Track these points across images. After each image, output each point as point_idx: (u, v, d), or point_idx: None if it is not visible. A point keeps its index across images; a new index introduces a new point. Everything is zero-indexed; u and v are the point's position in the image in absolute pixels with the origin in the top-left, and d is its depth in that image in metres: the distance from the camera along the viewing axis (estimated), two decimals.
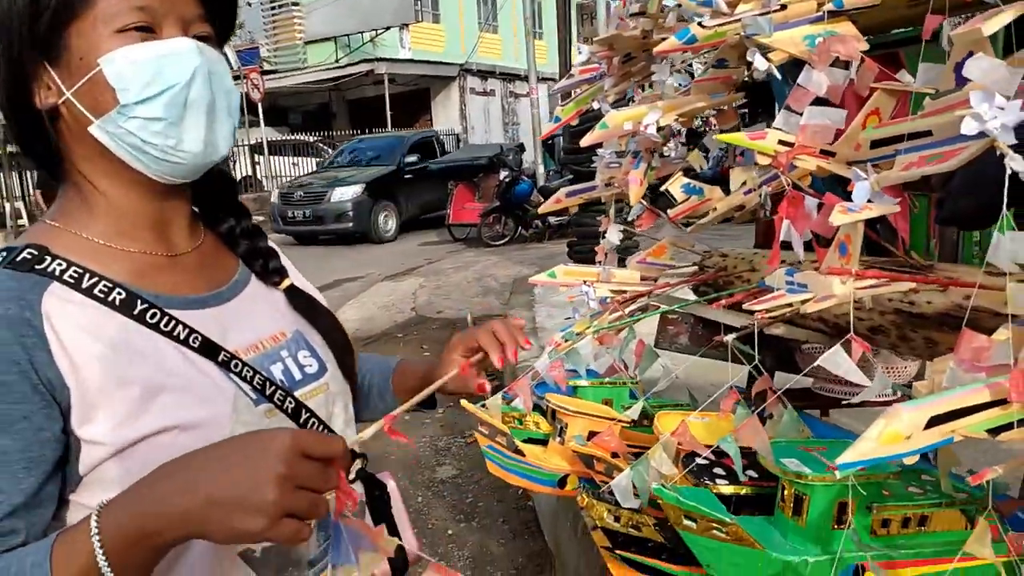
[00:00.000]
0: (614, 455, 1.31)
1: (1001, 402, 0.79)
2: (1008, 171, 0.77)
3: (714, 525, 0.91)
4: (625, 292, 1.71)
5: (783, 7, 1.21)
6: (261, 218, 10.80)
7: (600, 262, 1.87)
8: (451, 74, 20.71)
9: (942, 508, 0.98)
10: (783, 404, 1.21)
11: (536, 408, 1.66)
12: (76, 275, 0.78)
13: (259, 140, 17.17)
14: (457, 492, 3.27)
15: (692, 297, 1.82)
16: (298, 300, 0.98)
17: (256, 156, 17.57)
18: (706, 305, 1.59)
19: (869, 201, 1.03)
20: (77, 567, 0.64)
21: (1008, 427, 0.78)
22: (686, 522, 0.94)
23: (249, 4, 17.98)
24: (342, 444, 0.68)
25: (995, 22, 0.85)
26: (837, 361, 0.95)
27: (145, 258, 0.85)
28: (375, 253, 10.61)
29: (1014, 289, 0.78)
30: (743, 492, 1.05)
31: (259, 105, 16.69)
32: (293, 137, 18.70)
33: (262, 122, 17.04)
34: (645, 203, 1.76)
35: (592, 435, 1.40)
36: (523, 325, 1.07)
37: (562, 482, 1.45)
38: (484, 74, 21.89)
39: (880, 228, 2.01)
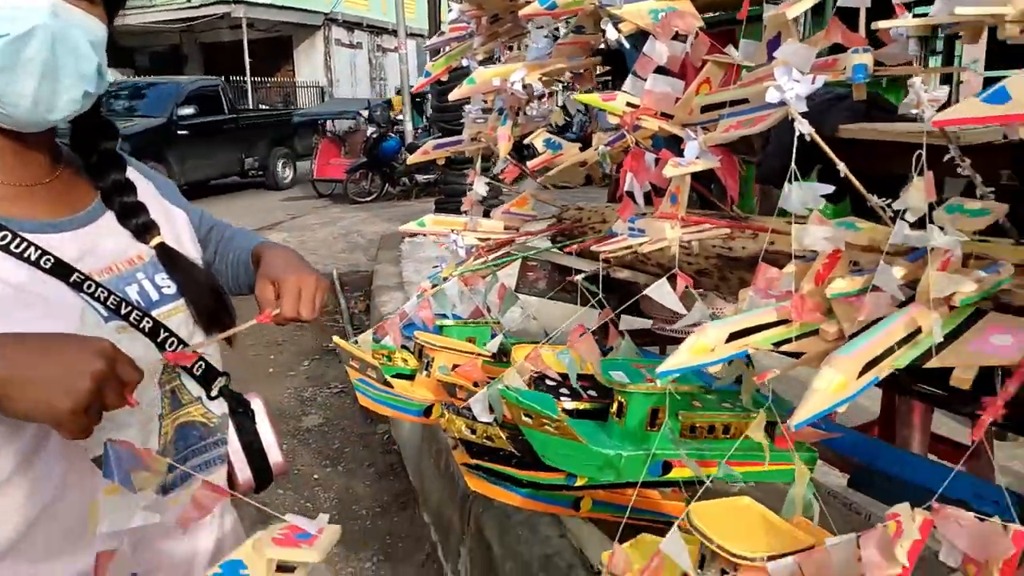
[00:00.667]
0: (476, 385, 1.44)
1: (786, 321, 0.98)
2: (797, 133, 0.95)
3: (545, 421, 1.07)
4: (490, 240, 1.84)
5: None
6: None
7: (467, 212, 1.98)
8: (315, 23, 19.91)
9: (743, 419, 1.19)
10: (621, 335, 1.38)
11: (404, 348, 1.76)
12: None
13: None
14: (323, 439, 3.33)
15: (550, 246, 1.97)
16: (166, 256, 1.00)
17: None
18: (561, 252, 1.74)
19: (697, 158, 1.19)
20: None
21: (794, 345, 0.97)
22: (524, 419, 1.09)
23: None
24: (139, 375, 0.75)
25: (798, 6, 1.02)
26: (662, 292, 1.12)
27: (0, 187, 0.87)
28: (234, 208, 10.19)
29: (797, 230, 0.96)
30: (583, 407, 1.21)
31: None
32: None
33: None
34: (511, 158, 1.88)
35: (456, 368, 1.53)
36: (326, 288, 1.04)
37: (428, 411, 1.57)
38: (351, 25, 21.21)
39: (714, 187, 2.26)
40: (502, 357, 1.68)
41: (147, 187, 1.06)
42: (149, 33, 18.55)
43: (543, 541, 1.78)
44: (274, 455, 1.12)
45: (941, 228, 0.86)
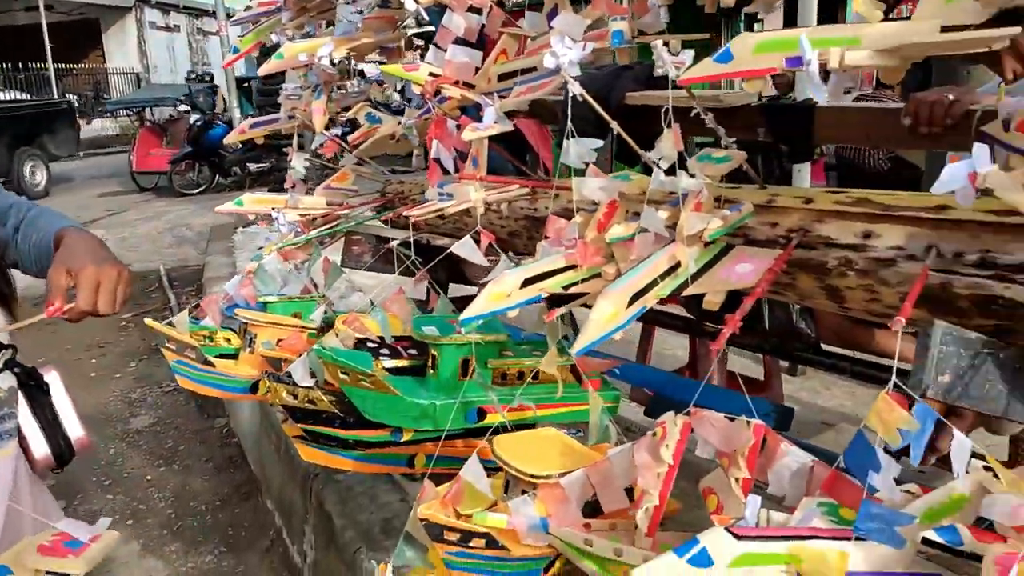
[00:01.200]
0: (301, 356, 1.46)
1: (574, 267, 1.08)
2: (570, 95, 1.04)
3: (361, 377, 1.12)
4: (310, 216, 1.85)
5: None
6: None
7: (289, 190, 1.97)
8: (125, 4, 18.41)
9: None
10: (438, 295, 1.45)
11: (229, 328, 1.73)
12: None
13: None
14: (155, 439, 3.18)
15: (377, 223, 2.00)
16: None
17: None
18: (380, 224, 1.78)
19: (496, 123, 1.27)
20: None
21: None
22: (342, 376, 1.14)
23: None
24: None
25: None
26: (467, 248, 1.20)
27: None
28: (46, 202, 9.28)
29: (576, 183, 1.07)
30: (402, 364, 1.27)
31: None
32: None
33: None
34: (327, 133, 1.89)
35: (281, 342, 1.53)
36: (129, 281, 0.99)
37: (254, 388, 1.56)
38: (165, 7, 19.80)
39: (529, 157, 2.37)
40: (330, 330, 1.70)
41: None
42: None
43: (382, 507, 1.82)
44: (74, 430, 1.07)
45: (692, 175, 0.99)
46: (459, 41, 1.37)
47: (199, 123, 10.26)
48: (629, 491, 0.97)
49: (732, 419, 0.91)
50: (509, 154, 2.19)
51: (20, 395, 1.02)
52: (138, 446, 3.13)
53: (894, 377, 0.68)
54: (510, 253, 1.74)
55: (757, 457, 0.89)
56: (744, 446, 0.88)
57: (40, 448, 1.02)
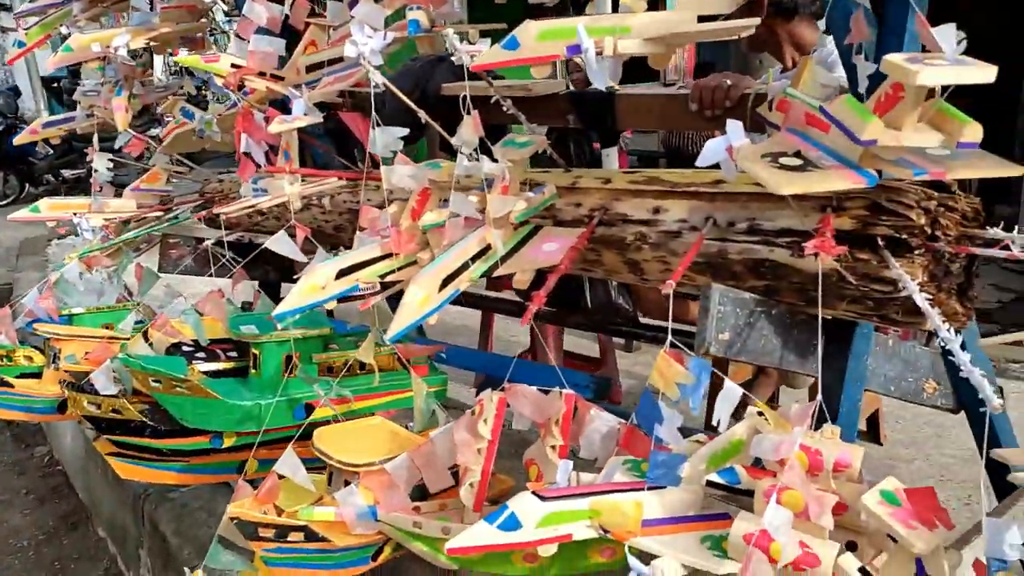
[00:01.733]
0: None
1: (390, 255, 1.09)
2: (374, 86, 1.05)
3: (175, 383, 1.07)
4: (117, 220, 1.73)
5: None
6: None
7: (94, 193, 1.83)
8: None
9: (376, 355, 1.29)
10: (259, 293, 1.41)
11: (31, 345, 1.60)
12: None
13: None
14: None
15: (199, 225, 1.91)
16: None
17: None
18: (199, 225, 1.70)
19: (305, 114, 1.25)
20: None
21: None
22: (153, 384, 1.08)
23: None
24: None
25: None
26: (282, 243, 1.17)
27: None
28: None
29: (385, 171, 1.07)
30: (222, 367, 1.22)
31: None
32: None
33: None
34: (132, 131, 1.77)
35: (88, 355, 1.43)
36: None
37: (62, 407, 1.45)
38: None
39: (357, 150, 2.34)
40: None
41: None
42: None
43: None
44: None
45: (495, 160, 1.03)
46: (262, 31, 1.33)
47: (1, 128, 9.28)
48: (456, 472, 1.00)
49: (546, 392, 0.95)
50: (338, 148, 2.16)
51: None
52: None
53: (670, 336, 0.74)
54: (341, 249, 1.73)
55: (570, 425, 0.94)
56: (556, 415, 0.93)
57: None
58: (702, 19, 0.81)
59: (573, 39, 0.83)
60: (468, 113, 0.97)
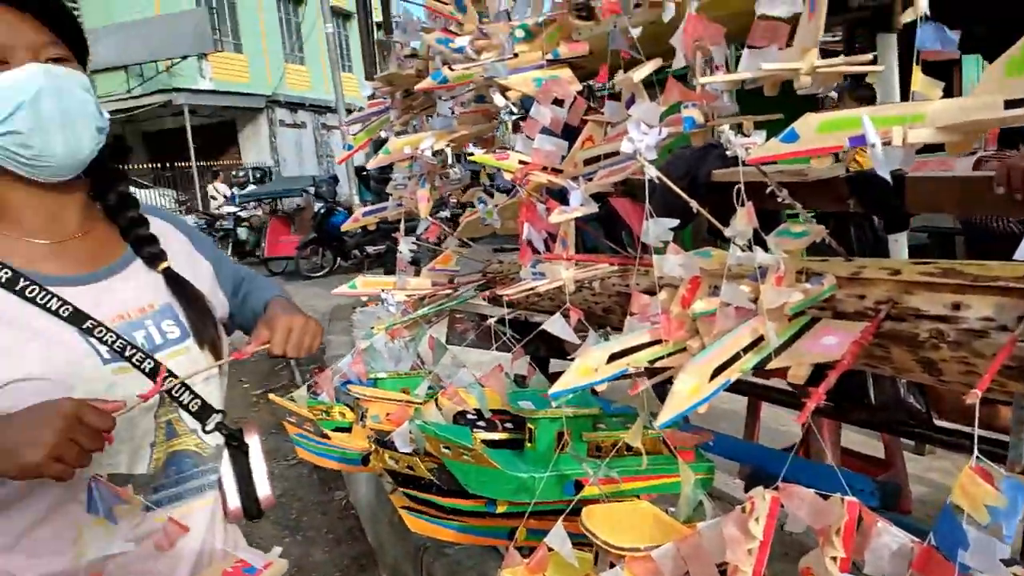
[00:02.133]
0: None
1: (659, 341, 1.11)
2: (648, 178, 1.10)
3: (463, 451, 1.17)
4: (416, 296, 1.96)
5: (516, 55, 1.53)
6: None
7: (398, 272, 2.10)
8: (258, 105, 20.21)
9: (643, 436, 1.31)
10: (534, 370, 1.51)
11: (342, 403, 1.85)
12: None
13: None
14: (281, 510, 3.34)
15: (478, 301, 2.10)
16: (171, 280, 1.17)
17: None
18: (481, 302, 1.87)
19: (581, 205, 1.34)
20: None
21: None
22: (443, 450, 1.19)
23: None
24: (109, 421, 0.89)
25: (640, 73, 1.19)
26: (558, 326, 1.25)
27: (36, 245, 1.04)
28: None
29: (657, 260, 1.11)
30: (498, 438, 1.32)
31: None
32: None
33: None
34: (431, 218, 2.02)
35: (389, 415, 1.63)
36: (316, 332, 1.20)
37: (365, 460, 1.65)
38: (294, 106, 21.56)
39: (625, 233, 2.42)
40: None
41: (177, 236, 1.23)
42: None
43: None
44: (263, 489, 1.21)
45: (768, 250, 1.01)
46: (546, 131, 1.46)
47: (322, 211, 11.00)
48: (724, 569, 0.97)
49: (825, 496, 0.89)
50: (606, 232, 2.26)
51: (224, 453, 1.16)
52: (267, 516, 3.30)
53: (975, 450, 0.67)
54: (607, 329, 1.79)
55: (853, 536, 0.87)
56: (837, 523, 0.87)
57: (234, 501, 1.16)
58: (1010, 104, 0.75)
59: (857, 130, 0.81)
60: (742, 204, 0.98)
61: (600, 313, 1.68)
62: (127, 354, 1.04)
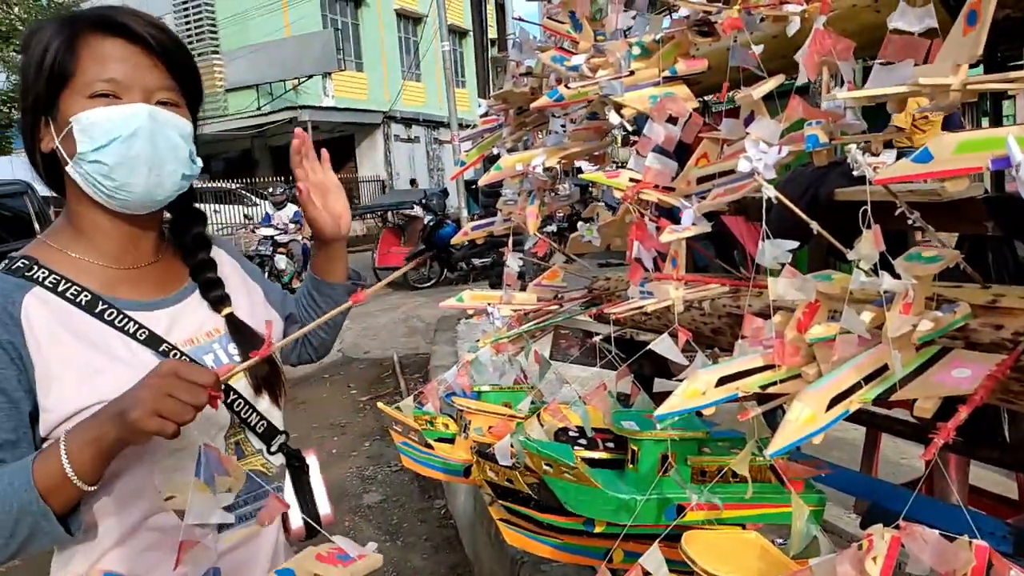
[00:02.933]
0: None
1: (772, 366, 1.08)
2: (765, 197, 1.07)
3: (564, 469, 1.16)
4: (522, 312, 1.98)
5: (632, 73, 1.52)
6: None
7: (505, 287, 2.13)
8: (375, 121, 21.02)
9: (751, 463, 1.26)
10: (639, 389, 1.48)
11: (446, 414, 1.89)
12: (54, 282, 1.04)
13: None
14: (383, 515, 3.43)
15: (582, 318, 2.10)
16: (232, 326, 1.20)
17: None
18: (586, 319, 1.86)
19: (693, 224, 1.32)
20: (48, 467, 0.90)
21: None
22: (545, 467, 1.19)
23: None
24: (211, 375, 0.92)
25: (762, 89, 1.16)
26: (665, 346, 1.23)
27: (112, 271, 1.10)
28: None
29: (772, 283, 1.07)
30: (599, 456, 1.31)
31: None
32: (214, 184, 18.55)
33: None
34: (540, 234, 2.04)
35: (491, 428, 1.64)
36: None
37: (467, 472, 1.68)
38: (408, 121, 22.29)
39: (737, 252, 2.35)
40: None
41: (233, 265, 1.30)
42: (223, 140, 19.92)
43: None
44: (323, 507, 1.25)
45: (897, 276, 0.96)
46: (658, 149, 1.44)
47: (431, 223, 11.29)
48: None
49: (951, 538, 0.84)
50: (718, 249, 2.21)
51: (286, 473, 1.22)
52: (368, 520, 3.39)
53: None
54: (715, 350, 1.74)
55: None
56: (964, 568, 0.81)
57: (296, 520, 1.21)
58: None
59: (1000, 151, 0.76)
60: (868, 227, 0.94)
61: (708, 334, 1.64)
62: None
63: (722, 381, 1.05)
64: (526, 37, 1.89)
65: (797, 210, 1.09)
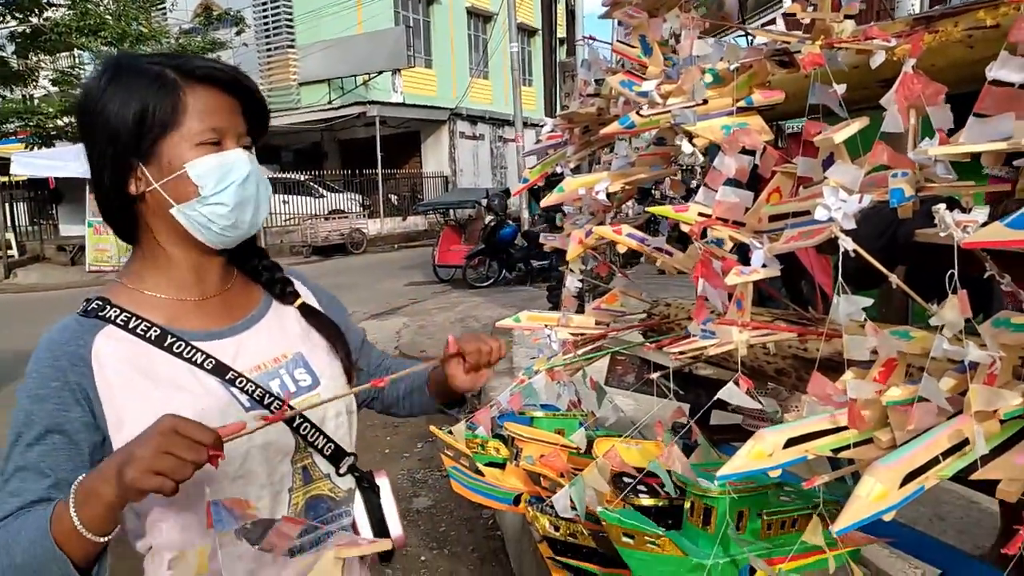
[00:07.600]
0: (561, 475, 1.52)
1: (843, 428, 1.02)
2: (841, 250, 1.01)
3: (648, 539, 1.12)
4: (580, 336, 1.94)
5: (705, 101, 1.47)
6: None
7: (563, 309, 2.10)
8: (441, 118, 21.20)
9: (806, 511, 1.20)
10: (700, 433, 1.43)
11: (497, 436, 1.87)
12: (125, 319, 1.08)
13: None
14: (431, 521, 3.44)
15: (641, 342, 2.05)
16: (308, 315, 1.26)
17: None
18: (644, 347, 1.81)
19: (764, 266, 1.26)
20: (61, 516, 0.91)
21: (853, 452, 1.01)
22: (624, 539, 1.15)
23: (246, 45, 18.42)
24: (211, 434, 0.90)
25: (844, 132, 1.10)
26: (731, 392, 1.18)
27: (181, 304, 1.14)
28: (360, 293, 10.79)
29: (847, 341, 1.01)
30: (660, 504, 1.26)
31: None
32: (284, 175, 19.03)
33: None
34: (599, 256, 2.00)
35: (542, 458, 1.62)
36: (503, 353, 1.30)
37: (516, 500, 1.65)
38: (474, 119, 22.40)
39: (805, 283, 2.26)
40: (590, 449, 1.75)
41: (302, 289, 1.32)
42: (294, 133, 20.41)
43: None
44: (395, 529, 1.25)
45: (983, 345, 0.89)
46: (730, 182, 1.39)
47: (492, 223, 11.32)
48: None
49: None
50: (784, 280, 2.12)
51: (357, 495, 1.22)
52: (417, 526, 3.41)
53: None
54: (782, 393, 1.67)
55: None
56: None
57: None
58: None
59: None
60: (954, 292, 0.87)
61: (772, 374, 1.57)
62: (266, 402, 1.10)
63: (790, 443, 1.00)
64: (596, 57, 1.85)
65: (871, 259, 1.03)
